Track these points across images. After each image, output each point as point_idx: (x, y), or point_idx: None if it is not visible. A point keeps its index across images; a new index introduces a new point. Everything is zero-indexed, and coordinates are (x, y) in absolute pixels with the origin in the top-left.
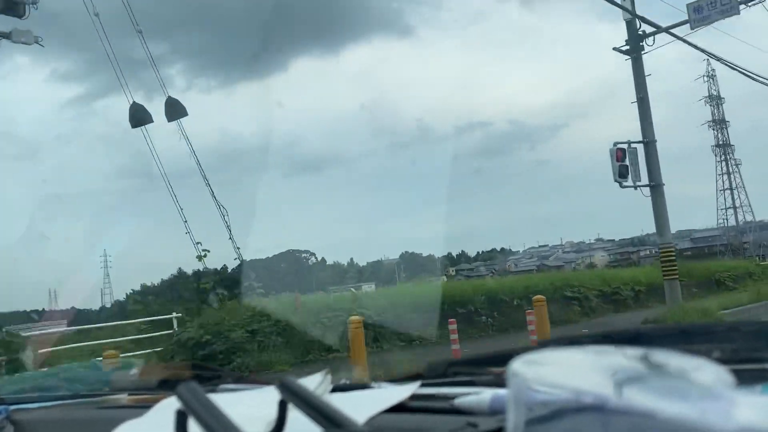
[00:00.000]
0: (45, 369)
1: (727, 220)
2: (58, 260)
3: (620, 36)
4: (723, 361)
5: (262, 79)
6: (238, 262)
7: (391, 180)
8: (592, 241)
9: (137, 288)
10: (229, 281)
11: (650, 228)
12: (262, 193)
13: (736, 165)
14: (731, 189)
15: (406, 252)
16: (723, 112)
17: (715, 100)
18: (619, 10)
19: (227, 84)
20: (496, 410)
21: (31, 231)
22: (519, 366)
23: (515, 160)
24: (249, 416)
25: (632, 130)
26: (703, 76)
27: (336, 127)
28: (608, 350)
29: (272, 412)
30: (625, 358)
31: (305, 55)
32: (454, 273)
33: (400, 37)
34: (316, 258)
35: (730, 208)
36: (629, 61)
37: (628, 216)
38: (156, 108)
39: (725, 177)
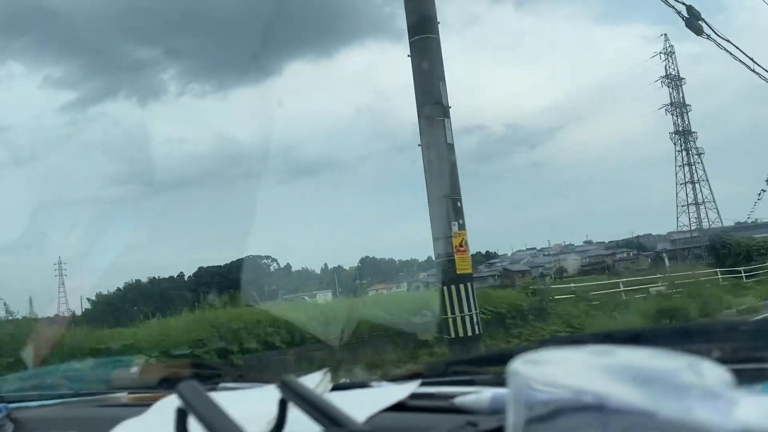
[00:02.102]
0: (45, 367)
1: (689, 217)
2: (38, 267)
3: (618, 37)
4: (723, 360)
5: (256, 83)
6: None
7: (385, 184)
8: (581, 244)
9: (92, 297)
10: (183, 289)
11: (641, 229)
12: (255, 199)
13: (698, 155)
14: (693, 182)
15: (367, 257)
16: (683, 94)
17: (674, 80)
18: (615, 14)
19: (222, 89)
20: (496, 409)
21: (13, 237)
22: (519, 365)
23: (511, 163)
24: (249, 415)
25: (629, 130)
26: (660, 53)
27: (330, 131)
28: (608, 350)
29: (272, 411)
30: (625, 357)
31: (299, 60)
32: (425, 277)
33: (394, 41)
34: (278, 264)
35: (692, 204)
36: (624, 64)
37: (622, 216)
38: (151, 113)
39: (686, 168)
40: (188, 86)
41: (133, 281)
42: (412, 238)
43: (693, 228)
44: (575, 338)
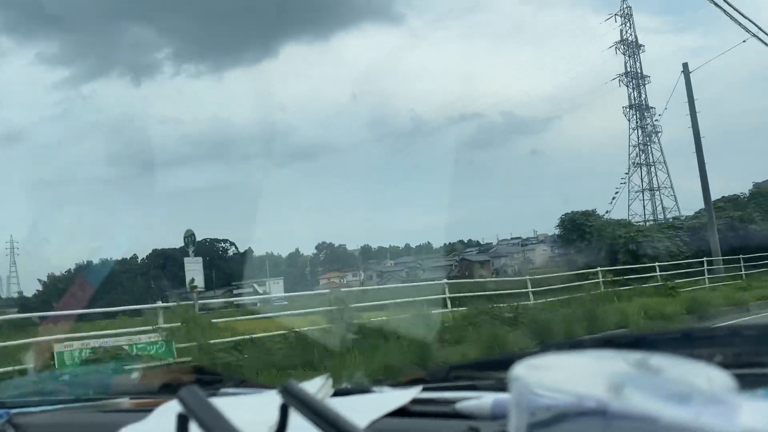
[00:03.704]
0: (47, 372)
1: (643, 204)
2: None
3: (614, 30)
4: (725, 365)
5: (251, 65)
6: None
7: (379, 171)
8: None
9: (43, 278)
10: (134, 273)
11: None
12: (249, 182)
13: (656, 133)
14: (648, 165)
15: (323, 243)
16: (641, 63)
17: (630, 47)
18: (614, 3)
19: (216, 69)
20: (497, 415)
21: None
22: (521, 370)
23: (506, 152)
24: (250, 420)
25: (618, 119)
26: (615, 14)
27: (325, 116)
28: (610, 355)
29: (274, 416)
30: (627, 362)
31: (295, 42)
32: (392, 266)
33: (391, 25)
34: (236, 248)
35: (646, 189)
36: (621, 54)
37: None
38: (144, 93)
39: (640, 149)
40: (183, 66)
41: (84, 262)
42: (391, 225)
43: (648, 217)
44: (577, 343)
